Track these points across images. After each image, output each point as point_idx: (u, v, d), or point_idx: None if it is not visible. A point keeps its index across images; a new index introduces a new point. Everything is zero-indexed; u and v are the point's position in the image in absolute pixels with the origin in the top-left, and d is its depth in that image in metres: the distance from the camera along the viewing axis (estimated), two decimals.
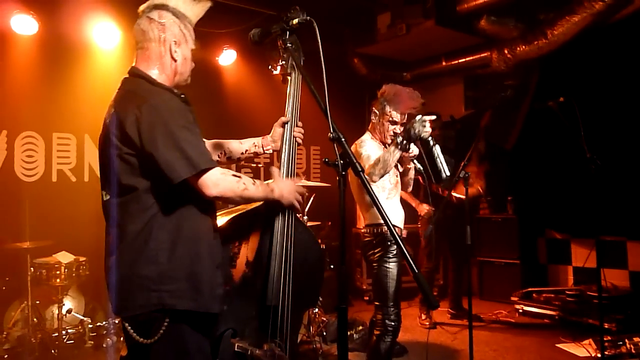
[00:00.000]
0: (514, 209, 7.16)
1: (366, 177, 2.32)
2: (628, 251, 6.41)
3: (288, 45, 2.49)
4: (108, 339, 5.11)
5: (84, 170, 6.03)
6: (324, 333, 5.17)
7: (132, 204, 2.09)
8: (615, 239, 6.37)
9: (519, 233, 7.03)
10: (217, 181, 2.08)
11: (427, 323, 5.96)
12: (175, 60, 2.26)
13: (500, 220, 7.23)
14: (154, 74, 2.23)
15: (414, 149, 3.67)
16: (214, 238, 2.24)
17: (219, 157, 2.73)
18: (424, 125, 3.38)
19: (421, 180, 4.15)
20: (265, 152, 2.76)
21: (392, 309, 3.59)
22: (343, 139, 2.01)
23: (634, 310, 5.52)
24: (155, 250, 2.07)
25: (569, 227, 6.95)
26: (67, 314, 5.20)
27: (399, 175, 3.88)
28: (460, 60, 7.48)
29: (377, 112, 3.83)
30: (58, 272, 5.03)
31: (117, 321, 5.11)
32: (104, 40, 5.91)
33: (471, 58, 7.33)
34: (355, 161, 1.95)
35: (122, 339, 4.79)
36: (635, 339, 4.74)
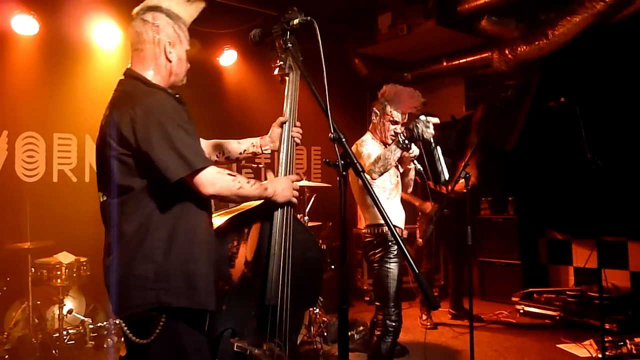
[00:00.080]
0: (514, 209, 7.16)
1: (367, 177, 2.32)
2: (629, 251, 6.40)
3: (289, 45, 2.49)
4: (109, 340, 5.11)
5: (84, 170, 6.03)
6: (325, 333, 5.17)
7: (129, 204, 2.11)
8: (616, 240, 6.37)
9: (519, 233, 7.03)
10: (213, 180, 2.11)
11: (428, 323, 5.96)
12: (170, 61, 2.28)
13: (501, 220, 7.23)
14: (149, 75, 2.24)
15: (415, 150, 3.67)
16: (210, 237, 2.26)
17: (217, 157, 2.74)
18: (428, 126, 3.38)
19: (418, 180, 4.15)
20: (264, 152, 2.77)
21: (393, 309, 3.59)
22: (344, 139, 2.01)
23: (634, 311, 5.52)
24: (152, 249, 2.08)
25: (569, 228, 6.94)
26: (68, 315, 5.20)
27: (399, 176, 3.88)
28: (461, 61, 7.48)
29: (378, 112, 3.83)
30: (59, 273, 5.04)
31: (117, 321, 5.10)
32: (104, 40, 5.91)
33: (472, 58, 7.33)
34: (355, 161, 1.95)
35: (122, 339, 4.78)
36: (636, 340, 4.74)
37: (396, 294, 3.60)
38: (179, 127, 2.08)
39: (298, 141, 2.66)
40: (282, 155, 2.59)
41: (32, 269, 5.01)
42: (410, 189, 4.18)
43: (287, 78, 2.68)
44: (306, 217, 5.41)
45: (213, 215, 2.50)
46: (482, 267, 7.33)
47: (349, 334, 5.19)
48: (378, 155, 3.51)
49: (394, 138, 3.77)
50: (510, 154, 7.27)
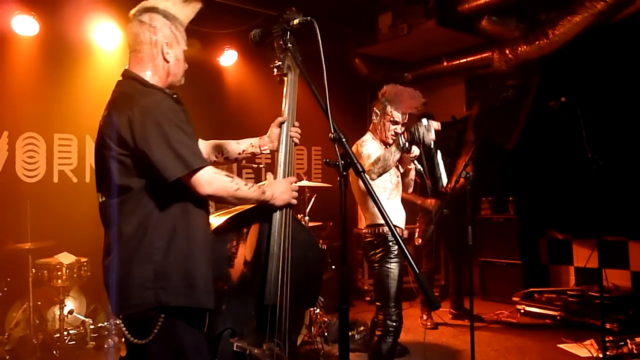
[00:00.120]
0: (515, 209, 7.15)
1: (367, 177, 2.31)
2: (630, 251, 6.40)
3: (289, 45, 2.49)
4: (109, 340, 5.11)
5: (85, 170, 6.03)
6: (326, 334, 5.17)
7: (127, 204, 2.12)
8: (616, 239, 6.37)
9: (520, 233, 7.03)
10: (211, 180, 2.12)
11: (429, 323, 5.95)
12: (168, 62, 2.29)
13: (501, 220, 7.23)
14: (147, 75, 2.26)
15: (415, 150, 3.68)
16: (208, 236, 2.28)
17: (216, 157, 2.75)
18: (429, 130, 3.38)
19: (417, 179, 4.15)
20: (263, 152, 2.77)
21: (393, 309, 3.59)
22: (344, 139, 2.01)
23: (635, 311, 5.52)
24: (151, 248, 2.09)
25: (570, 228, 6.94)
26: (69, 315, 5.20)
27: (399, 176, 3.89)
28: (461, 61, 7.48)
29: (379, 112, 3.83)
30: (59, 273, 5.04)
31: (118, 322, 5.11)
32: (104, 40, 5.91)
33: (472, 58, 7.33)
34: (356, 161, 1.96)
35: (123, 339, 4.78)
36: (637, 339, 4.73)
37: (397, 294, 3.61)
38: (177, 127, 2.09)
39: (297, 141, 2.67)
40: (281, 156, 2.59)
41: (33, 269, 5.01)
42: (411, 189, 4.18)
43: (285, 78, 2.68)
44: (307, 217, 5.41)
45: (213, 215, 2.51)
46: (482, 267, 7.33)
47: (350, 334, 5.19)
48: (377, 157, 3.52)
49: (394, 138, 3.78)
50: (511, 154, 7.26)
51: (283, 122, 2.64)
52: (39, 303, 5.10)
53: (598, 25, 5.74)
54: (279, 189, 2.43)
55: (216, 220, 2.46)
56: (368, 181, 1.96)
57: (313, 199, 5.57)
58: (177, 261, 2.12)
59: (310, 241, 2.75)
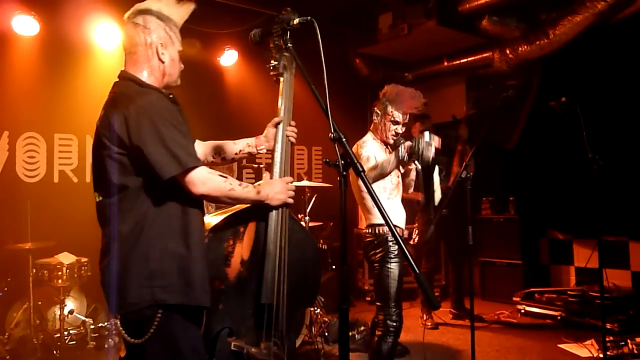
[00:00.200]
0: (515, 209, 7.15)
1: (369, 173, 2.31)
2: (630, 251, 6.40)
3: (289, 45, 2.49)
4: (110, 340, 5.11)
5: (85, 170, 6.03)
6: (326, 334, 5.17)
7: (124, 203, 2.13)
8: (617, 239, 6.36)
9: (520, 233, 7.03)
10: (204, 180, 2.14)
11: (429, 323, 5.95)
12: (163, 62, 2.30)
13: (502, 220, 7.23)
14: (144, 76, 2.28)
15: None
16: (204, 235, 2.30)
17: (213, 158, 2.76)
18: (430, 145, 3.40)
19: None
20: (259, 152, 2.78)
21: (393, 309, 3.59)
22: (344, 139, 2.02)
23: (636, 311, 5.52)
24: (147, 247, 2.11)
25: (571, 228, 6.94)
26: (69, 315, 5.20)
27: (400, 176, 3.89)
28: (462, 61, 7.47)
29: (379, 112, 3.83)
30: (60, 273, 5.04)
31: (118, 322, 5.10)
32: (105, 40, 5.91)
33: (473, 58, 7.32)
34: (356, 161, 1.96)
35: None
36: (638, 339, 4.73)
37: (397, 294, 3.61)
38: (172, 127, 2.11)
39: (293, 140, 2.68)
40: (277, 155, 2.59)
41: (33, 269, 5.01)
42: (411, 189, 4.18)
43: (281, 78, 2.69)
44: (307, 217, 5.40)
45: (210, 214, 2.52)
46: (483, 267, 7.33)
47: (350, 334, 5.18)
48: (375, 163, 3.54)
49: (395, 138, 3.78)
50: (512, 154, 7.26)
51: (279, 123, 2.64)
52: (40, 303, 5.10)
53: (599, 25, 5.74)
54: (274, 188, 2.43)
55: (213, 219, 2.46)
56: (368, 181, 1.97)
57: (313, 199, 5.57)
58: (174, 259, 2.13)
59: (308, 240, 2.75)
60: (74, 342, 5.19)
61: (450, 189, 4.71)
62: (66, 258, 5.14)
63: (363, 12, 7.36)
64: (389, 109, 3.77)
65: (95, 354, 5.10)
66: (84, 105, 5.76)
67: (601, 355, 4.50)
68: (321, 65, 2.11)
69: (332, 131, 2.03)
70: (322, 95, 2.10)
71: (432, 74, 7.98)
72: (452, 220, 5.85)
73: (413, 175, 3.98)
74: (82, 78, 5.89)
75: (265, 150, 2.77)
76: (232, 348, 2.35)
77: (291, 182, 2.52)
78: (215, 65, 6.94)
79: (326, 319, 5.24)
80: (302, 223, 5.32)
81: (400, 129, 3.79)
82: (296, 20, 2.42)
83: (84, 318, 5.31)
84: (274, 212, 2.47)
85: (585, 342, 5.04)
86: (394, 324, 3.59)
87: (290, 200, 2.49)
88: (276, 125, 2.65)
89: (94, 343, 5.19)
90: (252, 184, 2.42)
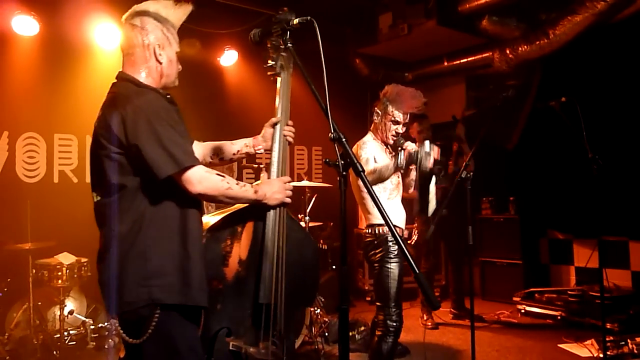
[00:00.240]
0: (515, 209, 7.15)
1: (366, 177, 2.30)
2: (630, 251, 6.39)
3: (289, 45, 2.49)
4: (110, 340, 5.10)
5: (85, 171, 6.01)
6: (326, 334, 5.16)
7: (122, 203, 2.14)
8: (617, 239, 6.36)
9: (521, 233, 7.03)
10: (201, 179, 2.14)
11: (429, 323, 5.95)
12: (161, 63, 2.31)
13: (502, 220, 7.23)
14: (141, 77, 2.29)
15: (413, 146, 3.67)
16: (201, 234, 2.30)
17: (211, 158, 2.77)
18: (429, 155, 3.42)
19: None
20: (257, 152, 2.79)
21: (393, 309, 3.59)
22: (344, 139, 2.02)
23: (636, 310, 5.52)
24: (144, 246, 2.11)
25: (571, 227, 6.94)
26: (69, 315, 5.20)
27: (400, 176, 3.88)
28: (462, 61, 7.47)
29: (380, 112, 3.83)
30: (60, 274, 5.03)
31: (117, 322, 5.10)
32: (105, 40, 5.90)
33: (473, 58, 7.32)
34: (355, 161, 1.96)
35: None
36: (638, 339, 4.73)
37: (397, 294, 3.61)
38: (169, 126, 2.12)
39: (290, 140, 2.68)
40: (275, 155, 2.60)
41: (33, 269, 5.01)
42: (412, 190, 4.18)
43: (278, 78, 2.69)
44: (307, 217, 5.40)
45: (209, 214, 2.52)
46: (483, 267, 7.32)
47: (350, 334, 5.18)
48: (374, 168, 3.55)
49: (395, 139, 3.77)
50: (512, 154, 7.26)
51: (276, 123, 2.65)
52: (39, 303, 5.10)
53: (598, 25, 5.74)
54: (272, 188, 2.44)
55: (212, 219, 2.47)
56: (368, 181, 1.96)
57: (313, 199, 5.57)
58: (171, 259, 2.14)
59: (306, 240, 2.75)
60: (74, 343, 5.18)
61: (449, 190, 4.71)
62: (66, 258, 5.14)
63: (363, 12, 7.37)
64: (390, 108, 3.77)
65: (95, 355, 5.09)
66: (84, 105, 5.75)
67: (601, 355, 4.50)
68: (321, 65, 2.11)
69: (332, 131, 2.03)
70: (322, 95, 2.10)
71: (432, 74, 7.98)
72: (452, 220, 5.85)
73: (413, 175, 3.98)
74: (82, 78, 5.88)
75: (262, 151, 2.78)
76: (231, 348, 2.36)
77: (289, 182, 2.52)
78: (215, 65, 6.94)
79: (326, 319, 5.24)
80: (302, 223, 5.33)
81: (400, 129, 3.79)
82: (296, 20, 2.43)
83: (83, 318, 5.30)
84: (272, 211, 2.47)
85: (586, 342, 5.04)
86: (394, 324, 3.59)
87: (288, 200, 2.49)
88: (273, 125, 2.65)
89: (94, 343, 5.19)
90: (251, 184, 2.42)
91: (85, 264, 5.21)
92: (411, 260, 1.80)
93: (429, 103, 3.97)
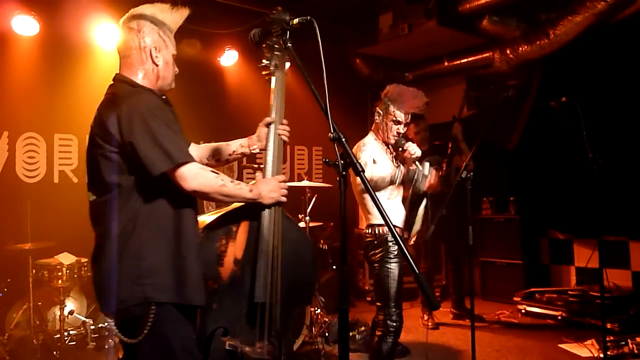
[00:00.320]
0: (516, 209, 7.15)
1: (366, 177, 2.30)
2: (630, 251, 6.39)
3: (289, 45, 2.49)
4: (110, 340, 5.09)
5: (85, 171, 6.01)
6: (327, 334, 5.16)
7: (116, 201, 2.15)
8: (617, 239, 6.36)
9: (521, 233, 7.03)
10: (195, 175, 2.15)
11: (430, 323, 5.94)
12: (157, 65, 2.33)
13: (502, 220, 7.22)
14: (138, 79, 2.31)
15: (417, 151, 3.67)
16: (197, 233, 2.31)
17: (208, 160, 2.78)
18: (426, 177, 3.45)
19: None
20: (252, 152, 2.80)
21: (393, 309, 3.59)
22: (343, 139, 2.01)
23: (636, 310, 5.52)
24: (139, 245, 2.12)
25: (571, 227, 6.93)
26: (69, 316, 5.20)
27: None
28: (462, 61, 7.47)
29: (381, 112, 3.83)
30: (60, 274, 5.03)
31: (112, 322, 5.09)
32: (105, 40, 5.90)
33: (473, 58, 7.31)
34: (355, 161, 1.96)
35: None
36: (638, 339, 4.72)
37: (397, 294, 3.61)
38: (163, 124, 2.13)
39: (285, 139, 2.68)
40: (269, 154, 2.60)
41: (33, 270, 5.01)
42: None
43: (273, 77, 2.68)
44: (307, 217, 5.40)
45: (205, 214, 2.52)
46: (483, 267, 7.32)
47: (351, 334, 5.18)
48: (370, 177, 3.55)
49: (396, 138, 3.77)
50: (512, 154, 7.26)
51: (271, 122, 2.65)
52: (40, 304, 5.09)
53: (599, 25, 5.74)
54: (267, 187, 2.44)
55: (208, 218, 2.47)
56: (367, 181, 1.96)
57: (314, 199, 5.56)
58: (166, 258, 2.15)
59: (302, 239, 2.75)
60: (74, 343, 5.18)
61: (444, 192, 4.71)
62: (66, 258, 5.14)
63: (363, 12, 7.36)
64: (391, 108, 3.76)
65: (95, 355, 5.09)
66: (84, 105, 5.71)
67: (601, 355, 4.50)
68: (321, 65, 2.11)
69: (332, 131, 2.03)
70: (322, 95, 2.10)
71: (433, 74, 7.98)
72: (453, 220, 5.85)
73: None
74: (82, 78, 5.88)
75: (258, 150, 2.78)
76: (227, 347, 2.36)
77: (284, 181, 2.52)
78: (215, 65, 6.93)
79: (326, 319, 5.24)
80: (303, 223, 5.32)
81: (402, 129, 3.79)
82: (296, 20, 2.42)
83: (84, 319, 5.30)
84: (267, 211, 2.47)
85: (586, 342, 5.03)
86: (394, 324, 3.59)
87: (283, 199, 2.49)
88: (268, 124, 2.66)
89: (94, 344, 5.18)
90: (247, 184, 2.42)
91: (85, 264, 5.21)
92: (411, 261, 1.80)
93: (429, 103, 3.97)
